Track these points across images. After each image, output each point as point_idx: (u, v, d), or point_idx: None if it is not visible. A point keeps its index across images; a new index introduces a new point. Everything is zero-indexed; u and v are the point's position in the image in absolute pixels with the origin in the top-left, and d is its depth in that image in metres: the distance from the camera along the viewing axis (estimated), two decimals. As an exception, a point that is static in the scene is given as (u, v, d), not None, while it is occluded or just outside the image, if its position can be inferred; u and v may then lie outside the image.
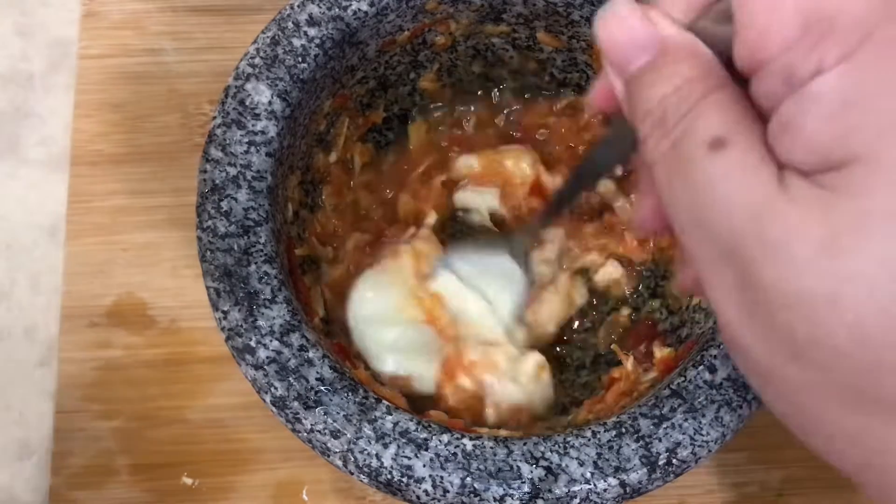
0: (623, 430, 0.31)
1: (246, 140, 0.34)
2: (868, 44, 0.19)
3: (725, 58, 0.22)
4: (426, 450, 0.31)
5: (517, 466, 0.30)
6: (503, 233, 0.41)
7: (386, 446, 0.30)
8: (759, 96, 0.22)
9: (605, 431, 0.31)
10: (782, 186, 0.21)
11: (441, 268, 0.38)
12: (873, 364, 0.20)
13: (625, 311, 0.41)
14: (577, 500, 0.30)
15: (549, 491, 0.30)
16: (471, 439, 0.31)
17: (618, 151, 0.30)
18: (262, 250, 0.33)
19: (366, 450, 0.30)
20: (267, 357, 0.31)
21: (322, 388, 0.31)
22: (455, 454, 0.31)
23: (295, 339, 0.32)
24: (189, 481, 0.41)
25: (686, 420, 0.31)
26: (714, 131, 0.21)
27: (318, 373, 0.31)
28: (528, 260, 0.40)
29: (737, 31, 0.21)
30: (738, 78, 0.22)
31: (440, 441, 0.31)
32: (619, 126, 0.26)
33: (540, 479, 0.30)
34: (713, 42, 0.23)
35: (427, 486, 0.30)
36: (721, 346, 0.32)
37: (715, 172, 0.21)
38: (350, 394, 0.31)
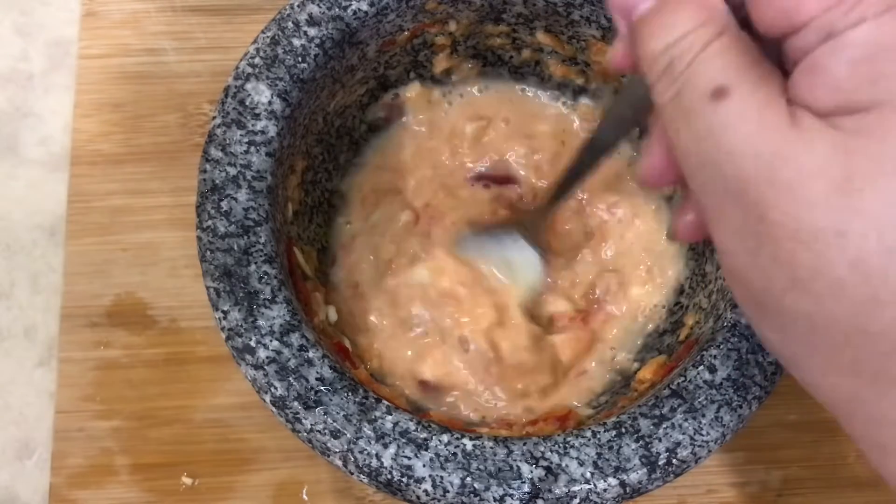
0: (623, 430, 0.31)
1: (246, 140, 0.34)
2: None
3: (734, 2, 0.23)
4: (426, 450, 0.31)
5: (517, 466, 0.30)
6: (515, 218, 0.41)
7: (386, 446, 0.30)
8: (791, 51, 0.22)
9: (604, 431, 0.31)
10: (794, 127, 0.21)
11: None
12: (869, 298, 0.21)
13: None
14: (577, 500, 0.30)
15: (549, 491, 0.30)
16: (471, 439, 0.31)
17: (625, 122, 0.30)
18: (262, 250, 0.33)
19: (366, 450, 0.30)
20: (267, 357, 0.31)
21: (322, 388, 0.31)
22: (455, 454, 0.31)
23: (295, 339, 0.32)
24: (189, 481, 0.41)
25: (686, 420, 0.31)
26: (716, 81, 0.22)
27: (317, 373, 0.31)
28: (542, 241, 0.40)
29: (763, 3, 0.22)
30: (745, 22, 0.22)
31: (440, 441, 0.31)
32: (625, 95, 0.26)
33: (540, 479, 0.30)
34: None
35: (427, 486, 0.30)
36: (721, 346, 0.32)
37: (718, 122, 0.22)
38: (350, 394, 0.31)
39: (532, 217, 0.40)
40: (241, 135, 0.34)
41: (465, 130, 0.43)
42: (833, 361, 0.22)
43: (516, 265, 0.40)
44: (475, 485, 0.30)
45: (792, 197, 0.21)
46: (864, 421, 0.23)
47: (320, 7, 0.36)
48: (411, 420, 0.31)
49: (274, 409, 0.31)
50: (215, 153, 0.34)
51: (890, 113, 0.20)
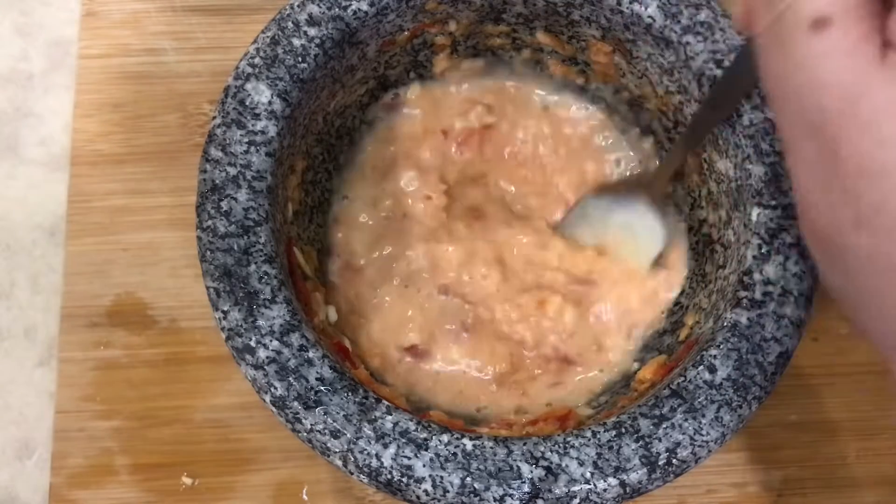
0: (623, 430, 0.31)
1: (246, 140, 0.34)
2: None
3: None
4: (426, 450, 0.31)
5: (517, 466, 0.30)
6: (640, 180, 0.41)
7: (386, 446, 0.30)
8: None
9: (605, 431, 0.31)
10: (882, 65, 0.21)
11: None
12: None
13: None
14: (577, 500, 0.30)
15: (549, 491, 0.30)
16: (471, 439, 0.31)
17: (752, 74, 0.29)
18: (262, 250, 0.33)
19: (366, 450, 0.30)
20: (267, 357, 0.31)
21: (322, 388, 0.31)
22: (455, 454, 0.31)
23: (295, 339, 0.32)
24: (189, 481, 0.41)
25: (686, 420, 0.31)
26: (819, 10, 0.22)
27: (318, 373, 0.31)
28: (660, 209, 0.40)
29: None
30: None
31: (440, 441, 0.31)
32: (746, 53, 0.27)
33: (540, 479, 0.30)
34: None
35: (427, 486, 0.30)
36: (721, 346, 0.32)
37: (812, 52, 0.22)
38: (350, 394, 0.31)
39: (652, 178, 0.40)
40: (241, 135, 0.34)
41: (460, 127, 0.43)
42: (890, 303, 0.23)
43: (638, 230, 0.40)
44: (475, 485, 0.30)
45: (866, 132, 0.21)
46: None
47: (320, 7, 0.36)
48: (411, 420, 0.31)
49: (274, 409, 0.31)
50: (215, 153, 0.34)
51: None
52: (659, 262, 0.40)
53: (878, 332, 0.24)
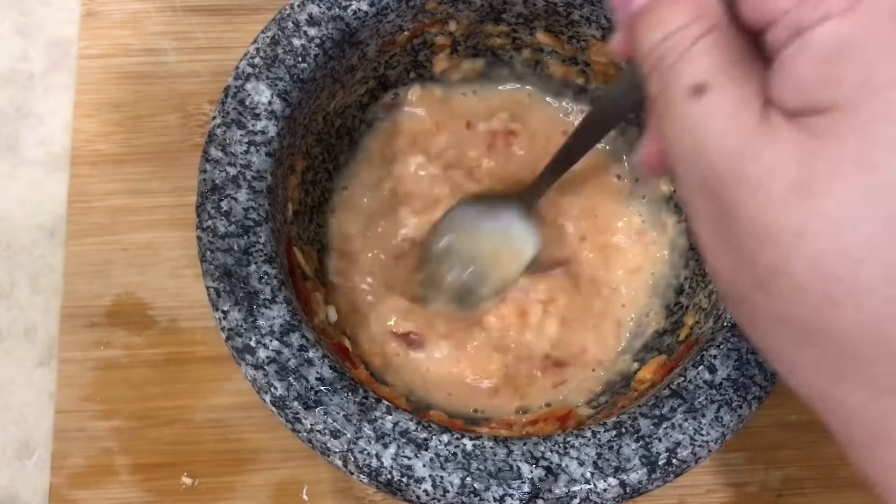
0: (623, 430, 0.31)
1: (246, 140, 0.34)
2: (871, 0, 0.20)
3: None
4: (426, 450, 0.31)
5: (517, 466, 0.30)
6: (510, 191, 0.41)
7: (386, 446, 0.30)
8: (769, 47, 0.22)
9: (605, 431, 0.31)
10: (765, 126, 0.21)
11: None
12: (828, 299, 0.21)
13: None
14: (577, 500, 0.30)
15: (549, 491, 0.30)
16: (471, 439, 0.31)
17: (626, 102, 0.30)
18: (262, 250, 0.33)
19: (366, 450, 0.30)
20: (267, 357, 0.31)
21: (322, 388, 0.31)
22: (455, 454, 0.31)
23: (295, 339, 0.32)
24: (189, 481, 0.41)
25: (686, 420, 0.31)
26: (697, 77, 0.22)
27: (317, 373, 0.31)
28: (535, 218, 0.41)
29: None
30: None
31: (440, 441, 0.31)
32: (628, 74, 0.27)
33: (540, 479, 0.30)
34: None
35: (427, 486, 0.30)
36: (721, 346, 0.32)
37: (695, 117, 0.22)
38: (350, 394, 0.31)
39: (528, 191, 0.40)
40: (241, 135, 0.34)
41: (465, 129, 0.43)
42: (800, 359, 0.23)
43: (513, 237, 0.41)
44: (475, 485, 0.30)
45: (755, 195, 0.21)
46: (837, 419, 0.24)
47: (320, 7, 0.36)
48: (411, 420, 0.31)
49: (274, 409, 0.31)
50: (215, 153, 0.34)
51: (849, 115, 0.20)
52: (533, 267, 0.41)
53: (799, 384, 0.24)
